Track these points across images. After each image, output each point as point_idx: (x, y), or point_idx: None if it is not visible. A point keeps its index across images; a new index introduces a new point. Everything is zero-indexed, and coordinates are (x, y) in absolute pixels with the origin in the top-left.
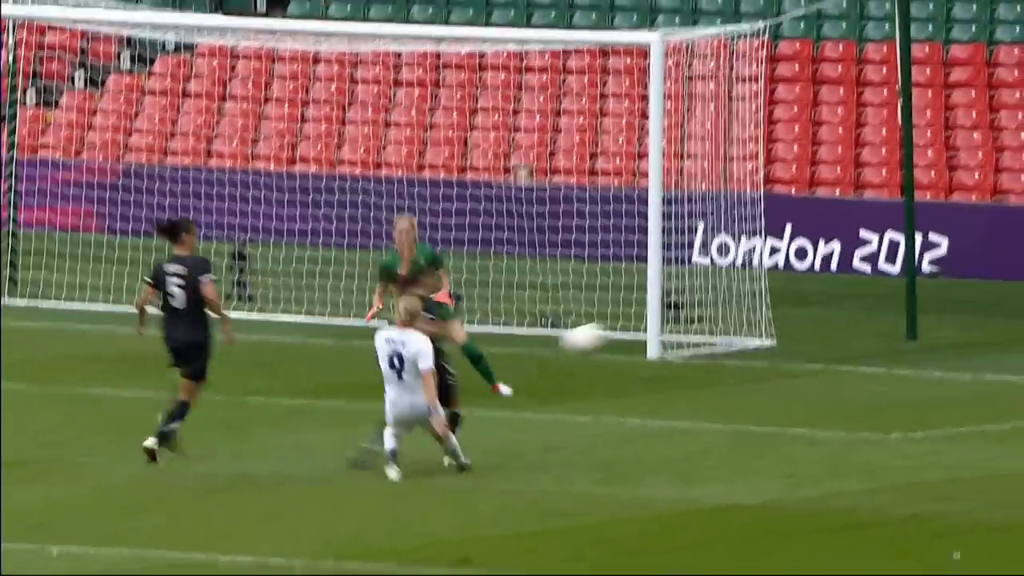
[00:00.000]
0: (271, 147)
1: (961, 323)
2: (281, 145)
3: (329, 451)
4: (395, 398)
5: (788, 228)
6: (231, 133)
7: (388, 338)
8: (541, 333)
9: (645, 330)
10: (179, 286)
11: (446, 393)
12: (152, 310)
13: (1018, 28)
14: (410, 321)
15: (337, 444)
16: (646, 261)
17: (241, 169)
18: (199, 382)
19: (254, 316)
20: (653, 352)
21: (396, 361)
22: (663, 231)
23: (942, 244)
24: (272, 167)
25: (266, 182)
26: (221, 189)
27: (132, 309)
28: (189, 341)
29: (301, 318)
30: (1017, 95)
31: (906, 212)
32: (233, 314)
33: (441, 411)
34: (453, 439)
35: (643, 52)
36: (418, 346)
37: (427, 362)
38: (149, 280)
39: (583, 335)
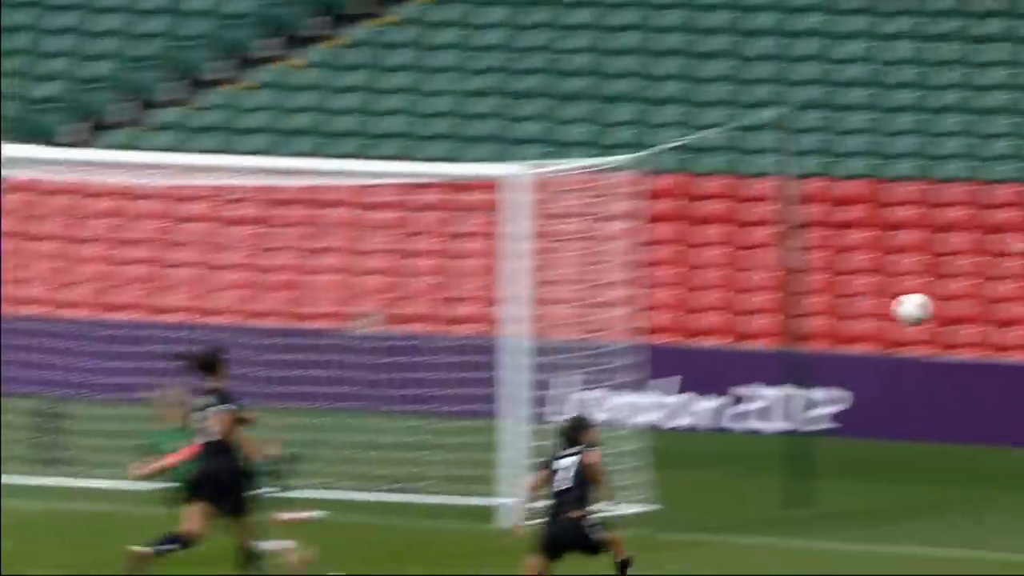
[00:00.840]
0: (84, 292)
1: (857, 488)
2: (95, 290)
3: None
4: None
5: (667, 381)
6: (40, 276)
7: None
8: (385, 499)
9: (499, 495)
10: None
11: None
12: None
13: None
14: None
15: None
16: (502, 418)
17: (50, 316)
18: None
19: (67, 481)
20: (505, 519)
21: None
22: (524, 385)
23: (835, 399)
24: (85, 314)
25: (77, 330)
26: (27, 339)
27: None
28: None
29: (121, 483)
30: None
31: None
32: (41, 480)
33: None
34: None
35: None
36: None
37: None
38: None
39: (912, 304)
